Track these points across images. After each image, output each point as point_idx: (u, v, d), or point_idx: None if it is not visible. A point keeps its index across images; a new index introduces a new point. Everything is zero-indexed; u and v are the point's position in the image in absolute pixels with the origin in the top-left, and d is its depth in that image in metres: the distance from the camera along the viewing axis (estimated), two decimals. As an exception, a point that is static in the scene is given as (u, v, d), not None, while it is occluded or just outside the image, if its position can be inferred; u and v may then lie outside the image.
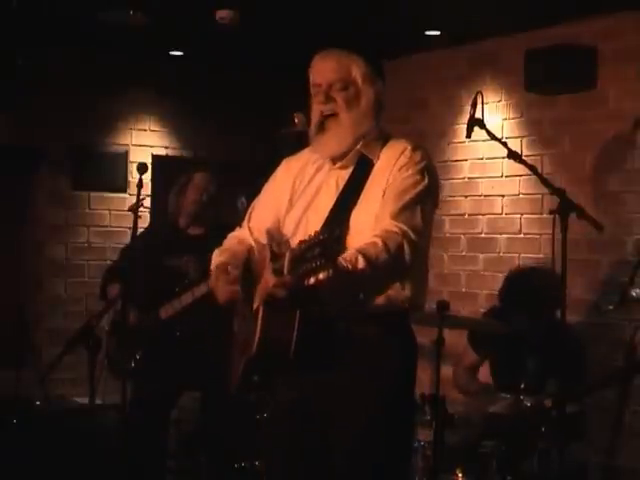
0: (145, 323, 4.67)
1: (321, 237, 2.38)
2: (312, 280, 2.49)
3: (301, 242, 2.45)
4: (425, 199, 2.80)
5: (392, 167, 2.81)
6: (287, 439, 2.88)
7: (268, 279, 2.55)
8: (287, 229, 2.92)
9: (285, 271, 2.47)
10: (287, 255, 2.48)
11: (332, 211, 2.81)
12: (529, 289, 4.57)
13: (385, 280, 2.74)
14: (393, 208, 2.74)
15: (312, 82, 2.91)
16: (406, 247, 2.66)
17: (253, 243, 2.99)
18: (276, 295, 2.54)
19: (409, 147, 2.84)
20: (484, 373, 4.80)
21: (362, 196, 2.80)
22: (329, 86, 2.85)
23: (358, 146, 2.86)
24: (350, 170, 2.87)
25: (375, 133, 2.90)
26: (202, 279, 4.36)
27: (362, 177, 2.83)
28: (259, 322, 2.65)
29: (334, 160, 2.89)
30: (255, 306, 2.72)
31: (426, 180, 2.80)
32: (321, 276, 2.46)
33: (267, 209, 3.02)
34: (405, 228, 2.69)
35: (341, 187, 2.85)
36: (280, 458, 2.92)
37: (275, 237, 2.81)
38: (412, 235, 2.69)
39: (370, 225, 2.73)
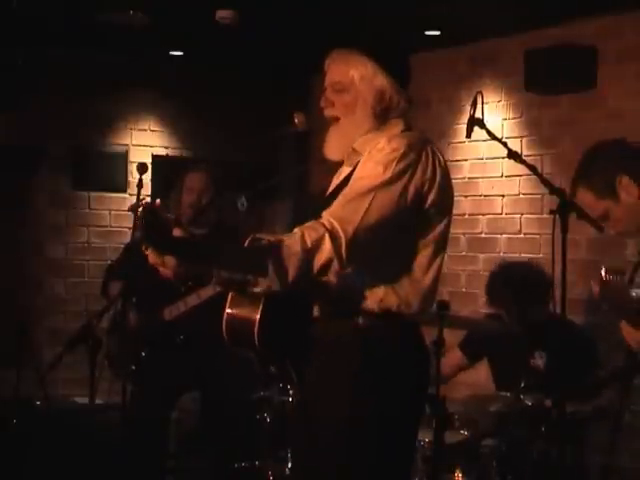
0: (148, 324, 4.66)
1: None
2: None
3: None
4: (382, 193, 2.54)
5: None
6: (295, 439, 2.91)
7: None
8: None
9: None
10: None
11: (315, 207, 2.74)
12: (511, 282, 4.51)
13: (291, 266, 2.45)
14: (336, 201, 2.57)
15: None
16: (327, 243, 2.45)
17: None
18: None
19: (386, 138, 2.64)
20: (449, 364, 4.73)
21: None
22: (329, 88, 2.78)
23: (355, 144, 2.75)
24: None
25: (379, 129, 2.74)
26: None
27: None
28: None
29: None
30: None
31: (388, 174, 2.55)
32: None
33: None
34: (335, 224, 2.48)
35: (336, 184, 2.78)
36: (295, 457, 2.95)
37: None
38: (340, 232, 2.47)
39: None
